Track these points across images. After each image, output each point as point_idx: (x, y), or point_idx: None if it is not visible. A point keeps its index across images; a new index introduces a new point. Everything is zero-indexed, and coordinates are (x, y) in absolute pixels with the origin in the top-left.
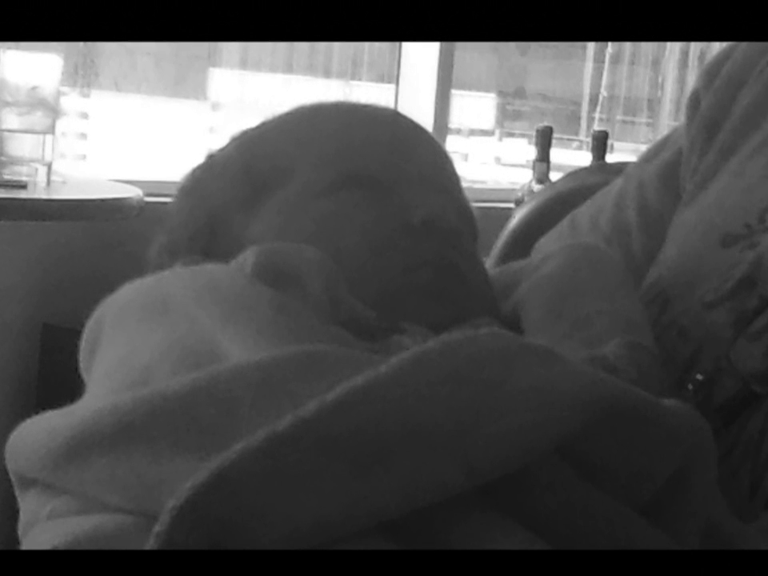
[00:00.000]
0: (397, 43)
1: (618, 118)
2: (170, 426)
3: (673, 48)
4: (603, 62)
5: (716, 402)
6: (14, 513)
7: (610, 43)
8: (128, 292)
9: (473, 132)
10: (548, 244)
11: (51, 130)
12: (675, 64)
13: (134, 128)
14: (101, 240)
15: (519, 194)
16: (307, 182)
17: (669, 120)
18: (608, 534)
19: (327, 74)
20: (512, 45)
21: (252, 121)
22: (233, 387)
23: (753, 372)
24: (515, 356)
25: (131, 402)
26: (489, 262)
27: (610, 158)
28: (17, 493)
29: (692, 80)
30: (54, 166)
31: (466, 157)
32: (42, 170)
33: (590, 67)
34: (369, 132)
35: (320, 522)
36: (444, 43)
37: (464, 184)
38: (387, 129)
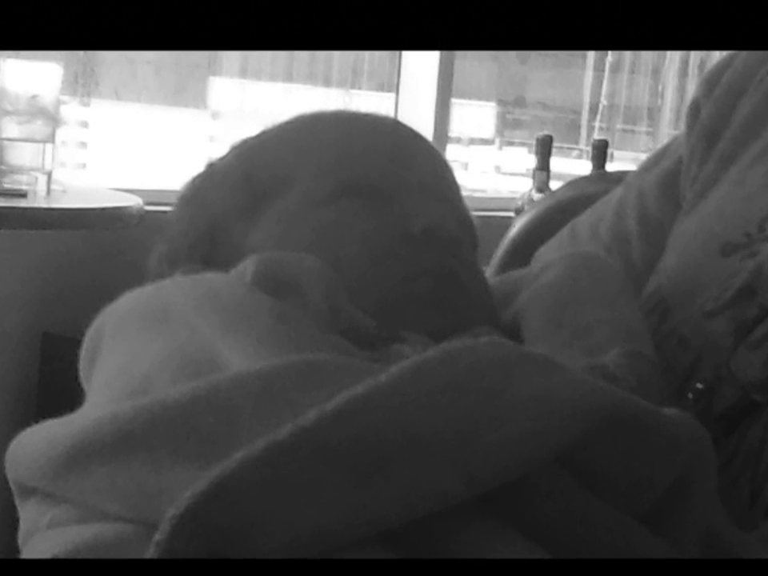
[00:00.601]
0: (397, 52)
1: (618, 126)
2: (170, 434)
3: (673, 57)
4: (603, 70)
5: (716, 410)
6: (14, 522)
7: (609, 52)
8: (128, 301)
9: (473, 141)
10: (548, 253)
11: (51, 138)
12: (675, 73)
13: (134, 137)
14: (101, 249)
15: (519, 203)
16: (307, 190)
17: (669, 129)
18: (608, 543)
19: (327, 82)
20: (512, 53)
21: (252, 130)
22: (233, 396)
23: (753, 381)
24: (515, 365)
25: (131, 410)
26: (489, 271)
27: (610, 167)
28: (17, 502)
29: (692, 89)
30: (54, 175)
31: (466, 166)
32: (42, 179)
33: (590, 76)
34: (369, 141)
35: (320, 531)
36: (444, 52)
37: (464, 193)
38: (387, 138)
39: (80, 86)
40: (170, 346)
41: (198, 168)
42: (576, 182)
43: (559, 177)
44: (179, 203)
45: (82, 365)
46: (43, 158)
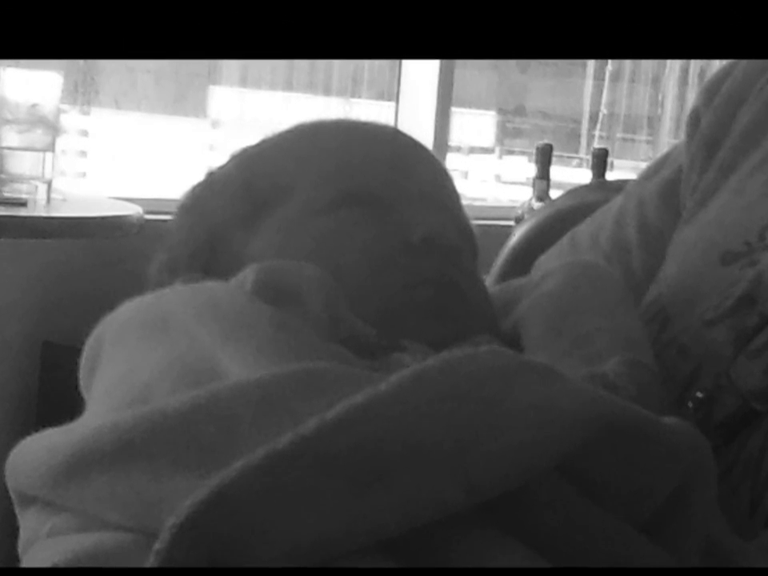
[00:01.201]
0: (397, 61)
1: (618, 135)
2: (169, 443)
3: (673, 65)
4: (603, 79)
5: (716, 419)
6: (14, 530)
7: (610, 61)
8: (128, 310)
9: (473, 149)
10: (548, 261)
11: (51, 147)
12: (675, 81)
13: (133, 145)
14: (101, 258)
15: (519, 212)
16: (307, 199)
17: (669, 138)
18: (608, 552)
19: (327, 91)
20: (512, 62)
21: (252, 138)
22: (233, 405)
23: (753, 390)
24: (515, 374)
25: (131, 419)
26: (489, 280)
27: (610, 176)
28: (17, 510)
29: (692, 98)
30: (54, 184)
31: (466, 174)
32: (42, 188)
33: (590, 85)
34: (369, 150)
35: (320, 540)
36: (444, 61)
37: (464, 201)
38: (387, 146)
39: (80, 95)
40: (169, 355)
41: (198, 177)
42: (576, 191)
43: (559, 186)
44: (179, 212)
45: (82, 374)
46: (43, 167)
